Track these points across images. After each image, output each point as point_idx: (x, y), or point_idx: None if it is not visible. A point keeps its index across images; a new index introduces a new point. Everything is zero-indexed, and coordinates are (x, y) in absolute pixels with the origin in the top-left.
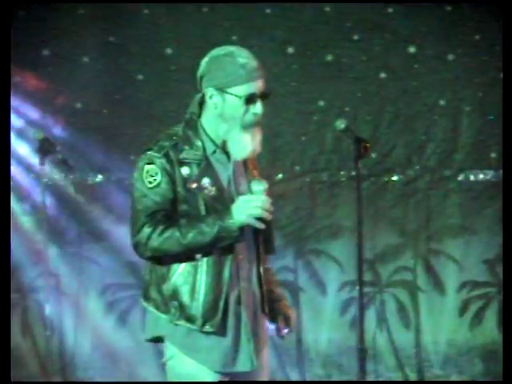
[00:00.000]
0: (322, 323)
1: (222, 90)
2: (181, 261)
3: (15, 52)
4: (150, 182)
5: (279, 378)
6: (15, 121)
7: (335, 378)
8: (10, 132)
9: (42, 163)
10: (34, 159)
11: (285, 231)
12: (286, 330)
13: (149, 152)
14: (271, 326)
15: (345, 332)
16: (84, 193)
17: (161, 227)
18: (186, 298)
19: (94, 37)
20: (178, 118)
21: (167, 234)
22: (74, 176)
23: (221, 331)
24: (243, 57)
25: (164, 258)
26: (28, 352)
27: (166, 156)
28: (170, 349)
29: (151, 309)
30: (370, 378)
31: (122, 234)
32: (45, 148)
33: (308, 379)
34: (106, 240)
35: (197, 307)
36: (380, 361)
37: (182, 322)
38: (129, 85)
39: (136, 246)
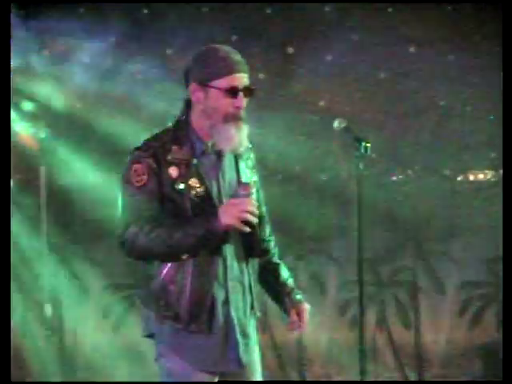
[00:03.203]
0: (322, 323)
1: (203, 84)
2: (167, 261)
3: (15, 52)
4: (138, 182)
5: (279, 377)
6: (16, 120)
7: (335, 378)
8: (11, 132)
9: (42, 163)
10: (34, 159)
11: (285, 231)
12: (295, 332)
13: (136, 151)
14: (286, 321)
15: (345, 332)
16: (84, 193)
17: (147, 227)
18: (172, 297)
19: (94, 37)
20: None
21: (153, 234)
22: (74, 176)
23: (207, 331)
24: (224, 51)
25: (150, 258)
26: (28, 352)
27: (154, 156)
28: (158, 347)
29: (143, 307)
30: (370, 377)
31: None
32: (47, 147)
33: (308, 379)
34: (106, 240)
35: (183, 306)
36: (380, 361)
37: (168, 321)
38: (129, 84)
39: (122, 245)
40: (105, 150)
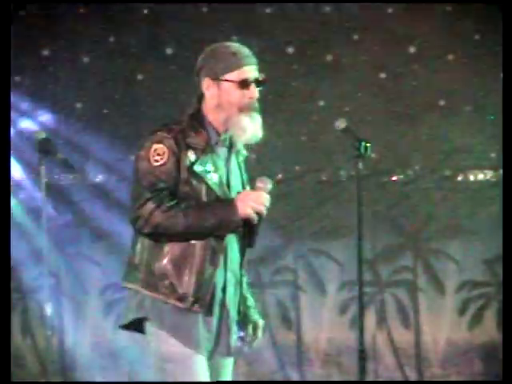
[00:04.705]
0: (322, 323)
1: (216, 78)
2: (177, 241)
3: (15, 52)
4: (157, 161)
5: (279, 378)
6: (15, 121)
7: (335, 378)
8: (11, 132)
9: (41, 163)
10: (34, 159)
11: (285, 231)
12: (246, 347)
13: (159, 132)
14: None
15: (345, 332)
16: (84, 193)
17: (165, 205)
18: (177, 278)
19: (94, 37)
20: (177, 119)
21: (171, 212)
22: (73, 176)
23: (207, 313)
24: (234, 46)
25: (161, 236)
26: (28, 352)
27: (175, 138)
28: (153, 329)
29: (138, 288)
30: (370, 377)
31: (122, 233)
32: (45, 148)
33: (308, 379)
34: (106, 240)
35: (187, 287)
36: (380, 361)
37: (171, 301)
38: (129, 85)
39: (136, 220)
40: (105, 149)
